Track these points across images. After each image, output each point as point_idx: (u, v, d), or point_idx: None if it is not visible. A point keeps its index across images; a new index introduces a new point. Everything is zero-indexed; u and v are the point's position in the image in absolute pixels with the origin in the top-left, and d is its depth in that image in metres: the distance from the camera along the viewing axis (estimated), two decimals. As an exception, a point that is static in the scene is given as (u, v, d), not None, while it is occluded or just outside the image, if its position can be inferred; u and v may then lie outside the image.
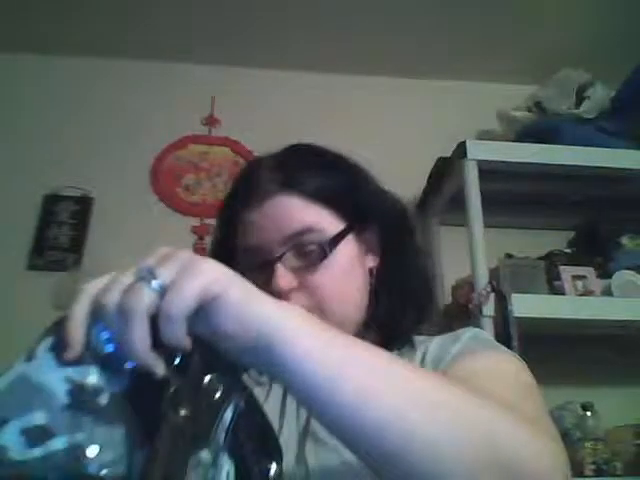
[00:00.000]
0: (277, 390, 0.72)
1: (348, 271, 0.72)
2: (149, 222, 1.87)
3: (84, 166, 1.94)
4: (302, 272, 0.69)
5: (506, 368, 0.63)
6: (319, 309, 0.68)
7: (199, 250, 1.87)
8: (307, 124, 2.00)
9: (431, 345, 0.71)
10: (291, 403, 0.70)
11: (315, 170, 0.74)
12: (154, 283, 0.41)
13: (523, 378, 0.62)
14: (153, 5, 1.91)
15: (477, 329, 0.74)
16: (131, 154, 1.97)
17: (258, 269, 0.70)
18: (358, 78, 2.15)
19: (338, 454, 0.61)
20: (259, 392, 0.52)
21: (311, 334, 0.43)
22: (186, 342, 0.41)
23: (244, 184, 0.76)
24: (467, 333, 0.70)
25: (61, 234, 1.85)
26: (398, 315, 0.74)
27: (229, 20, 1.97)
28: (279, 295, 0.66)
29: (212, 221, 1.93)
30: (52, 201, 1.89)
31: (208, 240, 1.90)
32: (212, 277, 0.42)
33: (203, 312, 0.41)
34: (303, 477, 0.63)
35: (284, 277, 0.68)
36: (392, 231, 0.77)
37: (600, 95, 1.79)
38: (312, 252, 0.70)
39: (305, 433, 0.67)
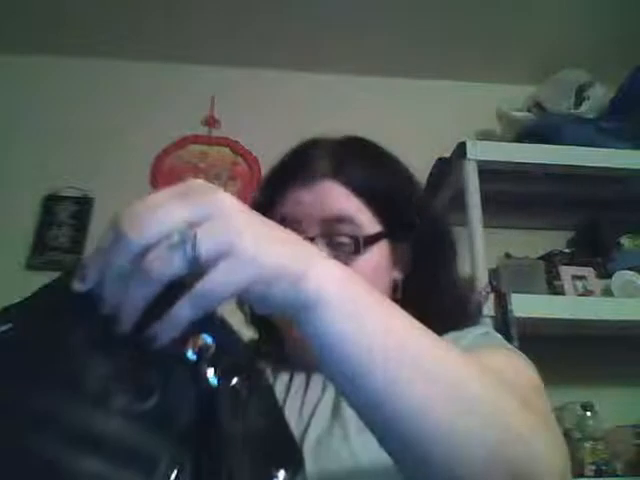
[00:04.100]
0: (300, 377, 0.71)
1: (374, 273, 0.71)
2: (149, 222, 1.87)
3: (84, 166, 1.94)
4: None
5: (514, 366, 0.63)
6: None
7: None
8: (307, 124, 2.00)
9: None
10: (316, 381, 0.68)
11: (367, 166, 0.75)
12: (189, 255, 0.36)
13: (530, 376, 0.63)
14: (153, 5, 1.91)
15: (487, 327, 0.74)
16: (131, 154, 1.96)
17: None
18: (358, 78, 2.14)
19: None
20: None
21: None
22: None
23: (296, 160, 0.77)
24: (477, 330, 0.71)
25: (61, 234, 1.85)
26: None
27: (229, 20, 1.97)
28: None
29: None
30: (52, 201, 1.89)
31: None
32: (262, 271, 0.38)
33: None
34: None
35: None
36: (428, 250, 0.76)
37: (600, 95, 1.79)
38: (344, 244, 0.71)
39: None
